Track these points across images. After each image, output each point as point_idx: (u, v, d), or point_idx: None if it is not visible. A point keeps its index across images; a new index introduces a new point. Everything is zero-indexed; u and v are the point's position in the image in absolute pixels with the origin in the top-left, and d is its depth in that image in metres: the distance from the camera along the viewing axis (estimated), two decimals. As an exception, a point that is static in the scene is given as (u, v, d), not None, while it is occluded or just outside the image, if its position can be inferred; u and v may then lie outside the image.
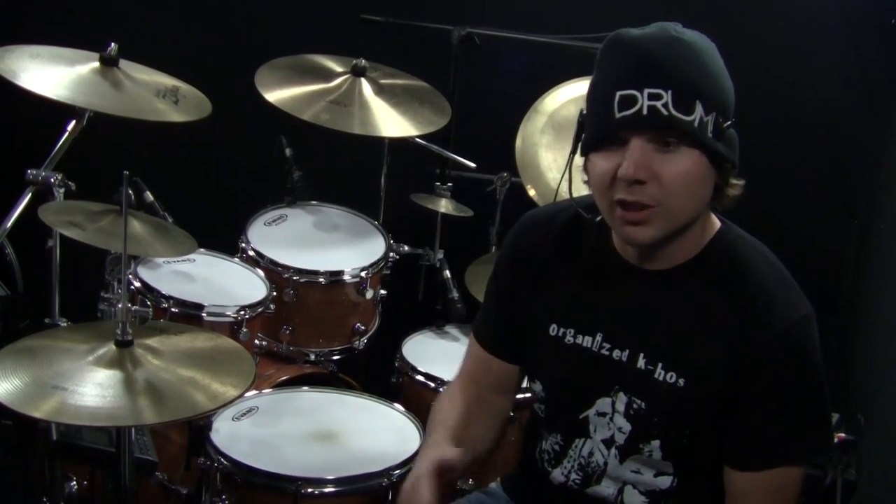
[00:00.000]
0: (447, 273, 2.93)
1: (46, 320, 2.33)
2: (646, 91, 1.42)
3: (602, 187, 1.49)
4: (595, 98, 1.50)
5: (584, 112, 1.54)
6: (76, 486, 2.29)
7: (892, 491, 2.32)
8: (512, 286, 1.74)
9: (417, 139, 2.86)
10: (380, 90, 2.83)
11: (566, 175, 1.62)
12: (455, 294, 2.89)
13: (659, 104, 1.42)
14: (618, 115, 1.44)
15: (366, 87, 2.83)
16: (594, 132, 1.50)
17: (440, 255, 2.95)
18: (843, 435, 2.51)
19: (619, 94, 1.44)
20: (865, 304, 3.06)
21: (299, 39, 3.06)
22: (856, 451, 2.52)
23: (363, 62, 2.85)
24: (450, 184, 2.97)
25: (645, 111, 1.43)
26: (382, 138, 2.91)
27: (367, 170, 3.02)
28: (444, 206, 2.89)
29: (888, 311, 2.72)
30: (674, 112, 1.43)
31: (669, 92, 1.42)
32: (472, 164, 2.97)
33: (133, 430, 1.95)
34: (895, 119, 3.09)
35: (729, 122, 1.50)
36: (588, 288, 1.65)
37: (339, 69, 2.87)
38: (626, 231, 1.50)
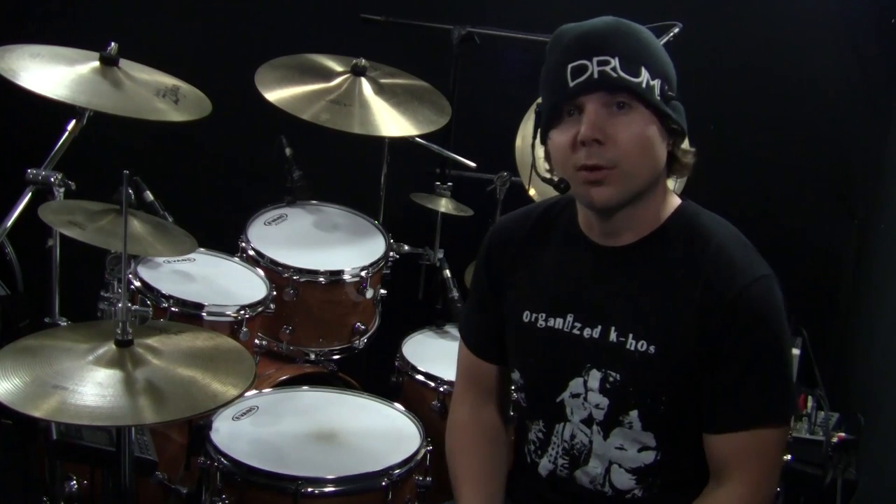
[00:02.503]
0: (447, 272, 2.94)
1: (46, 320, 2.33)
2: (594, 59, 1.54)
3: (564, 157, 1.58)
4: (548, 79, 1.60)
5: (539, 102, 1.64)
6: (76, 486, 2.29)
7: (892, 491, 2.32)
8: (489, 284, 1.80)
9: (417, 139, 2.87)
10: (380, 90, 2.84)
11: (533, 162, 1.70)
12: (455, 293, 2.89)
13: (608, 68, 1.53)
14: (571, 84, 1.55)
15: (366, 86, 2.83)
16: (551, 106, 1.60)
17: (440, 255, 2.95)
18: (843, 435, 2.51)
19: (570, 65, 1.55)
20: (865, 304, 3.06)
21: (299, 39, 3.06)
22: (856, 451, 2.52)
23: (363, 62, 2.85)
24: (450, 183, 2.97)
25: (596, 75, 1.54)
26: (382, 138, 2.91)
27: (367, 170, 3.02)
28: (444, 205, 2.89)
29: (888, 311, 2.72)
30: (622, 74, 1.53)
31: (616, 58, 1.54)
32: (472, 164, 2.97)
33: (133, 429, 1.95)
34: (895, 119, 3.09)
35: (673, 94, 1.59)
36: (557, 271, 1.72)
37: (339, 69, 2.87)
38: (590, 193, 1.58)
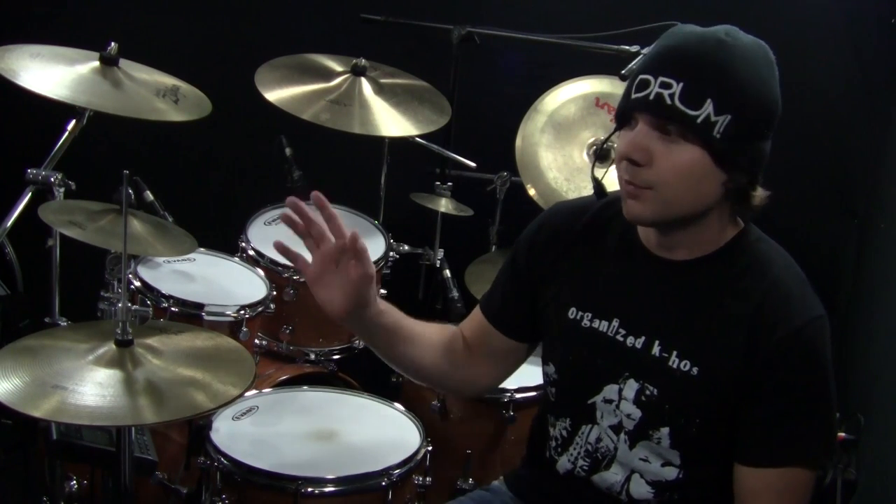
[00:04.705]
0: (447, 272, 2.94)
1: (46, 320, 2.33)
2: (659, 78, 1.48)
3: (617, 163, 1.56)
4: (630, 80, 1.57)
5: None
6: (76, 486, 2.29)
7: (892, 491, 2.32)
8: (527, 264, 1.77)
9: (417, 139, 2.87)
10: (380, 90, 2.84)
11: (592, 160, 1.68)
12: (455, 293, 2.89)
13: (666, 92, 1.47)
14: (632, 97, 1.52)
15: (366, 86, 2.83)
16: (617, 111, 1.58)
17: (440, 255, 2.95)
18: (843, 435, 2.51)
19: (640, 77, 1.51)
20: (865, 304, 3.06)
21: (299, 39, 3.06)
22: (856, 450, 2.52)
23: (363, 61, 2.85)
24: (450, 183, 2.97)
25: (652, 96, 1.48)
26: (382, 138, 2.91)
27: (367, 170, 3.02)
28: (444, 205, 2.89)
29: (888, 311, 2.72)
30: (678, 103, 1.47)
31: (681, 84, 1.47)
32: (472, 164, 2.97)
33: (133, 429, 1.95)
34: (895, 119, 3.09)
35: (756, 133, 1.53)
36: (609, 274, 1.68)
37: (339, 69, 2.87)
38: (626, 205, 1.56)
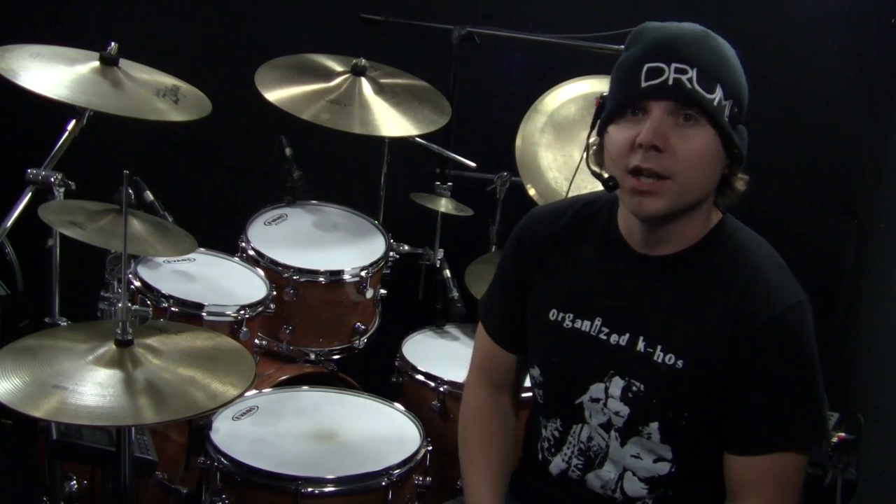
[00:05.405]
0: (447, 272, 2.94)
1: (46, 320, 2.33)
2: (673, 65, 1.50)
3: (619, 156, 1.54)
4: (620, 73, 1.56)
5: (605, 94, 1.61)
6: (76, 486, 2.29)
7: (892, 491, 2.33)
8: (516, 277, 1.78)
9: (417, 139, 2.87)
10: (380, 90, 2.84)
11: (584, 155, 1.67)
12: (455, 293, 2.89)
13: (684, 77, 1.50)
14: (644, 84, 1.51)
15: (366, 86, 2.83)
16: (617, 102, 1.56)
17: (440, 255, 2.95)
18: (843, 435, 2.51)
19: (647, 65, 1.51)
20: (865, 304, 3.06)
21: (299, 39, 3.06)
22: (856, 451, 2.53)
23: (363, 61, 2.85)
24: (450, 183, 2.97)
25: (671, 81, 1.50)
26: (382, 138, 2.91)
27: (367, 169, 3.02)
28: (444, 205, 2.89)
29: (888, 311, 2.72)
30: (697, 87, 1.49)
31: (695, 69, 1.50)
32: (472, 164, 2.97)
33: (133, 429, 1.95)
34: (895, 119, 3.09)
35: (742, 119, 1.56)
36: (590, 274, 1.69)
37: (339, 69, 2.87)
38: (637, 201, 1.55)
